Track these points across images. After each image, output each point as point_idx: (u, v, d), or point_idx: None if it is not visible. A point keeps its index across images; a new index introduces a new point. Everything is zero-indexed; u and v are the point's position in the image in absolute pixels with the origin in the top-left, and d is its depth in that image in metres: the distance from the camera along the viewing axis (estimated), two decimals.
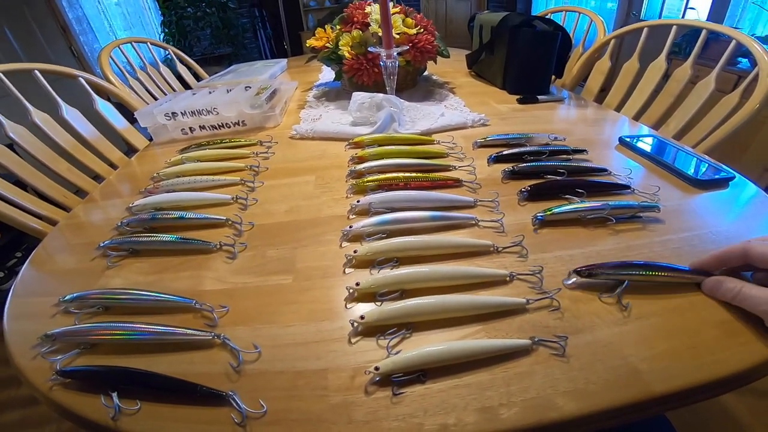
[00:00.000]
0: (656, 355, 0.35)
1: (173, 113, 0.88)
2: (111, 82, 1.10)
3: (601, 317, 0.39)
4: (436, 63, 1.15)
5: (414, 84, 1.19)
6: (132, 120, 0.95)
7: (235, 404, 0.33)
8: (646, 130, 0.81)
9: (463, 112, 0.95)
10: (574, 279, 0.43)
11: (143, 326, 0.39)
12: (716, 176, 0.59)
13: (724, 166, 0.61)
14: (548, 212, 0.52)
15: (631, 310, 0.40)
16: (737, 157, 1.77)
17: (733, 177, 0.59)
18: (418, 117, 0.92)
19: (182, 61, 1.53)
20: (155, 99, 1.26)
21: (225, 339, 0.38)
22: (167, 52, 1.53)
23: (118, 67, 1.22)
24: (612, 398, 0.32)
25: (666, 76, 0.98)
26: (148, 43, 1.43)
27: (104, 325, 0.39)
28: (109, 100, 1.05)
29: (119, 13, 3.03)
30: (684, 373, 0.34)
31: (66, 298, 0.44)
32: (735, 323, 0.38)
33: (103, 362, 0.38)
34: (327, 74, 1.39)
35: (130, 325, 0.39)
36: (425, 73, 1.29)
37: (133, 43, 1.35)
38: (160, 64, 1.41)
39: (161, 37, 3.46)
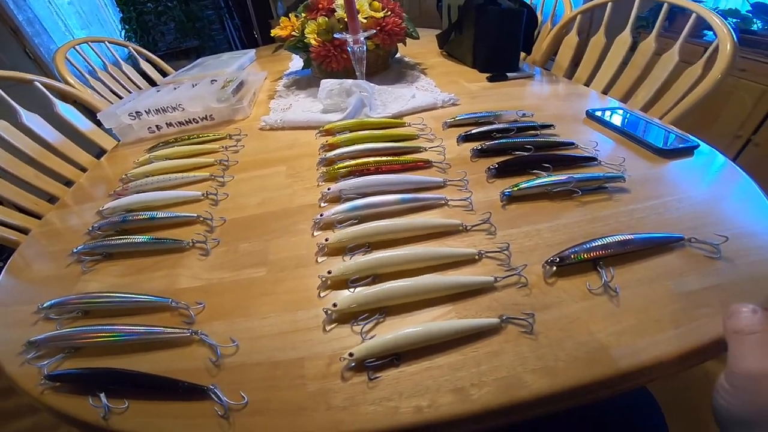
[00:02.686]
0: (623, 330, 0.36)
1: (137, 112, 0.86)
2: (70, 84, 1.06)
3: (568, 292, 0.40)
4: (405, 45, 1.14)
5: (386, 67, 1.18)
6: (98, 121, 0.92)
7: (216, 397, 0.33)
8: (615, 103, 0.82)
9: (434, 92, 0.95)
10: (550, 270, 0.42)
11: (123, 328, 0.40)
12: (681, 145, 0.60)
13: (689, 136, 0.62)
14: (515, 188, 0.53)
15: (602, 285, 0.40)
16: (708, 125, 1.80)
17: (698, 145, 0.60)
18: (389, 100, 0.91)
19: (146, 58, 1.48)
20: (120, 98, 1.22)
21: (202, 335, 0.39)
22: (129, 50, 1.48)
23: (77, 69, 1.18)
24: (580, 375, 0.33)
25: (633, 50, 0.99)
26: (106, 42, 1.37)
27: (85, 329, 0.40)
28: (74, 103, 1.01)
29: (73, 12, 2.87)
30: (650, 348, 0.34)
31: (45, 305, 0.44)
32: (700, 294, 0.38)
33: (87, 364, 0.38)
34: (297, 62, 1.36)
35: (110, 327, 0.40)
36: (397, 55, 1.28)
37: (89, 43, 1.30)
38: (122, 62, 1.36)
39: (122, 34, 3.32)
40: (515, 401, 0.32)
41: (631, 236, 0.43)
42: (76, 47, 1.23)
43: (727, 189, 0.53)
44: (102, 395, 0.34)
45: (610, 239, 0.43)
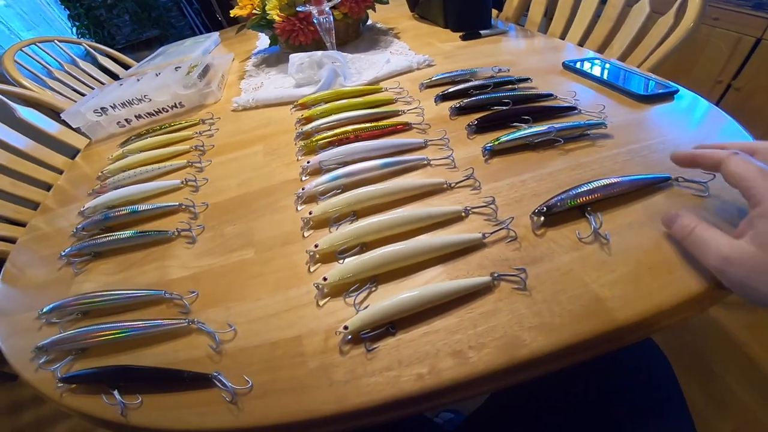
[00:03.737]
0: (617, 279, 0.35)
1: (103, 108, 0.83)
2: (26, 87, 1.01)
3: (558, 243, 0.39)
4: (375, 11, 1.11)
5: (357, 35, 1.15)
6: (65, 122, 0.88)
7: (221, 384, 0.34)
8: (592, 54, 0.80)
9: (408, 55, 0.93)
10: (538, 221, 0.41)
11: (123, 324, 0.40)
12: (660, 91, 0.59)
13: (668, 81, 0.61)
14: (496, 142, 0.52)
15: (591, 232, 0.39)
16: (688, 73, 1.81)
17: (677, 90, 0.59)
18: (364, 67, 0.89)
19: (103, 53, 1.41)
20: (84, 96, 1.17)
21: (199, 324, 0.39)
22: (84, 47, 1.42)
23: (30, 72, 1.13)
24: (579, 330, 0.32)
25: (603, 1, 0.97)
26: (56, 42, 1.31)
27: (88, 329, 0.40)
28: (38, 107, 0.97)
29: (14, 14, 2.68)
30: (646, 297, 0.33)
31: (45, 310, 0.44)
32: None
33: (96, 363, 0.38)
34: (265, 40, 1.31)
35: (111, 325, 0.40)
36: (369, 22, 1.25)
37: (38, 44, 1.24)
38: (78, 60, 1.30)
39: (74, 31, 3.12)
40: (515, 361, 0.31)
41: (618, 179, 0.42)
42: (24, 49, 1.17)
43: (709, 129, 0.52)
44: (115, 392, 0.35)
45: (596, 183, 0.42)
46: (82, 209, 0.60)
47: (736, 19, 1.58)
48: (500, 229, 0.41)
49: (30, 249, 0.59)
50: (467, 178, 0.49)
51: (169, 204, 0.57)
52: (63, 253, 0.53)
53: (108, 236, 0.52)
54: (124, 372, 0.37)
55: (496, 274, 0.37)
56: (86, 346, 0.40)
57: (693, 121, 0.55)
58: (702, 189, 0.41)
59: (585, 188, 0.42)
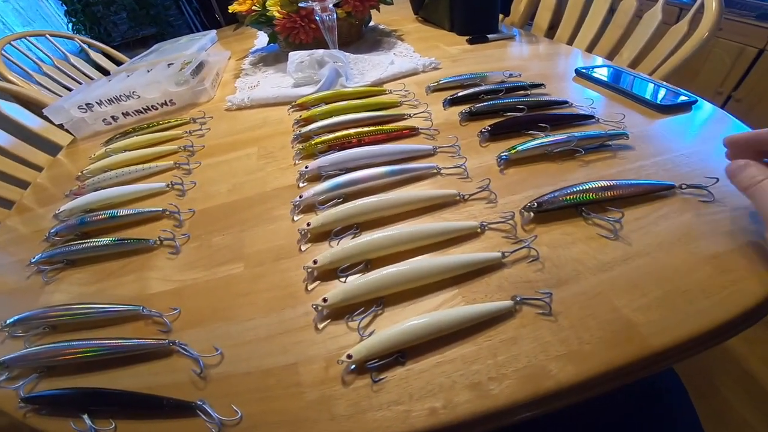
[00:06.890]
0: (649, 303, 0.32)
1: (88, 104, 0.78)
2: (10, 80, 0.96)
3: (584, 263, 0.36)
4: (379, 11, 1.08)
5: (360, 36, 1.12)
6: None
7: (204, 414, 0.30)
8: (600, 61, 0.78)
9: (414, 57, 0.89)
10: (527, 216, 0.40)
11: (96, 343, 0.36)
12: (678, 100, 0.57)
13: (683, 91, 0.59)
14: (512, 150, 0.49)
15: (618, 251, 0.37)
16: (689, 82, 1.81)
17: (696, 101, 0.57)
18: (366, 68, 0.86)
19: (97, 49, 1.37)
20: None
21: (181, 346, 0.35)
22: (78, 43, 1.37)
23: (18, 66, 1.08)
24: (610, 358, 0.29)
25: (612, 9, 0.96)
26: (47, 36, 1.26)
27: (56, 346, 0.36)
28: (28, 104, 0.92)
29: (9, 9, 2.67)
30: (682, 322, 0.31)
31: (8, 322, 0.40)
32: (726, 256, 0.34)
33: (64, 383, 0.35)
34: (263, 39, 1.28)
35: (82, 342, 0.36)
36: (371, 23, 1.21)
37: (28, 38, 1.19)
38: (69, 56, 1.26)
39: (69, 27, 3.11)
40: (541, 393, 0.28)
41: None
42: (13, 43, 1.13)
43: None
44: (85, 417, 0.32)
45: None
46: (57, 211, 0.55)
47: (740, 30, 1.58)
48: (522, 248, 0.37)
49: (1, 252, 0.54)
50: (482, 190, 0.45)
51: (152, 209, 0.52)
52: (33, 260, 0.48)
53: (83, 243, 0.48)
54: (95, 395, 0.33)
55: (518, 298, 0.33)
56: (54, 364, 0.36)
57: (714, 134, 0.52)
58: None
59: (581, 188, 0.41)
